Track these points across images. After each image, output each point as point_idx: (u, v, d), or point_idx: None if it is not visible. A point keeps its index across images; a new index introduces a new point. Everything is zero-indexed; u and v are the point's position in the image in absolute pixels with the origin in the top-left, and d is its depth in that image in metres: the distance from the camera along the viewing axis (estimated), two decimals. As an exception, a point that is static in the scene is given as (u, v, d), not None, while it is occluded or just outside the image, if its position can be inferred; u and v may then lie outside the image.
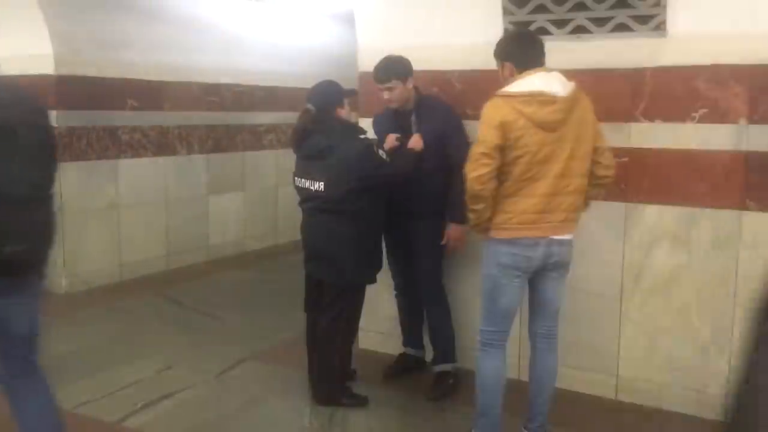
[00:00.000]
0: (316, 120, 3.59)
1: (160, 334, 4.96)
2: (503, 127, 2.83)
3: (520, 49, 3.05)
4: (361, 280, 3.72)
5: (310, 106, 3.63)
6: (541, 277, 3.07)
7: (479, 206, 2.95)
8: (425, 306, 4.00)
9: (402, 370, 4.15)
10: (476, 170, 2.87)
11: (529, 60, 3.00)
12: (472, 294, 4.07)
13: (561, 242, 3.01)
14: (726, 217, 3.41)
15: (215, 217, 7.23)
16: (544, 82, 2.91)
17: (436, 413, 3.68)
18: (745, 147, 3.34)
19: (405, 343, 4.23)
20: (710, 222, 3.45)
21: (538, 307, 3.18)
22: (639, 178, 3.56)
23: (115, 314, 5.40)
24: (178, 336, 4.90)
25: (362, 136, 3.60)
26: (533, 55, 3.02)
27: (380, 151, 3.59)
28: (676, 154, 3.49)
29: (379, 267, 3.80)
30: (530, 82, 2.92)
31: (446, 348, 3.97)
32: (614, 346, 3.69)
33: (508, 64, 3.04)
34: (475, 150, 2.90)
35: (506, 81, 3.03)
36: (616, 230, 3.60)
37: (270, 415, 3.72)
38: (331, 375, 3.73)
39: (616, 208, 3.49)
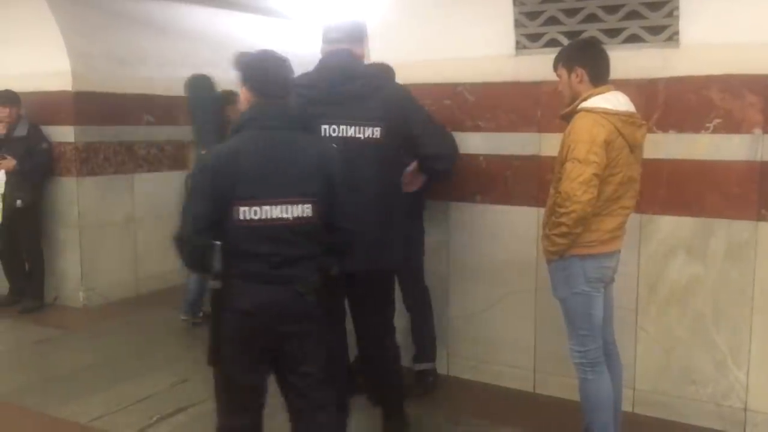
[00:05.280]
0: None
1: (175, 347, 4.98)
2: (606, 146, 2.80)
3: (596, 59, 2.97)
4: None
5: None
6: (606, 286, 3.10)
7: (579, 229, 2.84)
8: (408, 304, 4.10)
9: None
10: (589, 192, 2.76)
11: (603, 72, 2.96)
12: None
13: (619, 253, 3.09)
14: (742, 227, 3.38)
15: (230, 230, 7.24)
16: (626, 102, 2.92)
17: (450, 427, 3.66)
18: (760, 157, 3.31)
19: None
20: (726, 232, 3.42)
21: (604, 315, 3.14)
22: (653, 189, 3.54)
23: (131, 328, 5.43)
24: (193, 349, 4.90)
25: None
26: (606, 67, 2.98)
27: None
28: (690, 164, 3.47)
29: None
30: (616, 100, 2.89)
31: (428, 346, 4.08)
32: (630, 358, 3.65)
33: (581, 70, 2.93)
34: (586, 171, 2.75)
35: (572, 88, 2.97)
36: (631, 241, 3.56)
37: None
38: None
39: (631, 219, 3.46)
